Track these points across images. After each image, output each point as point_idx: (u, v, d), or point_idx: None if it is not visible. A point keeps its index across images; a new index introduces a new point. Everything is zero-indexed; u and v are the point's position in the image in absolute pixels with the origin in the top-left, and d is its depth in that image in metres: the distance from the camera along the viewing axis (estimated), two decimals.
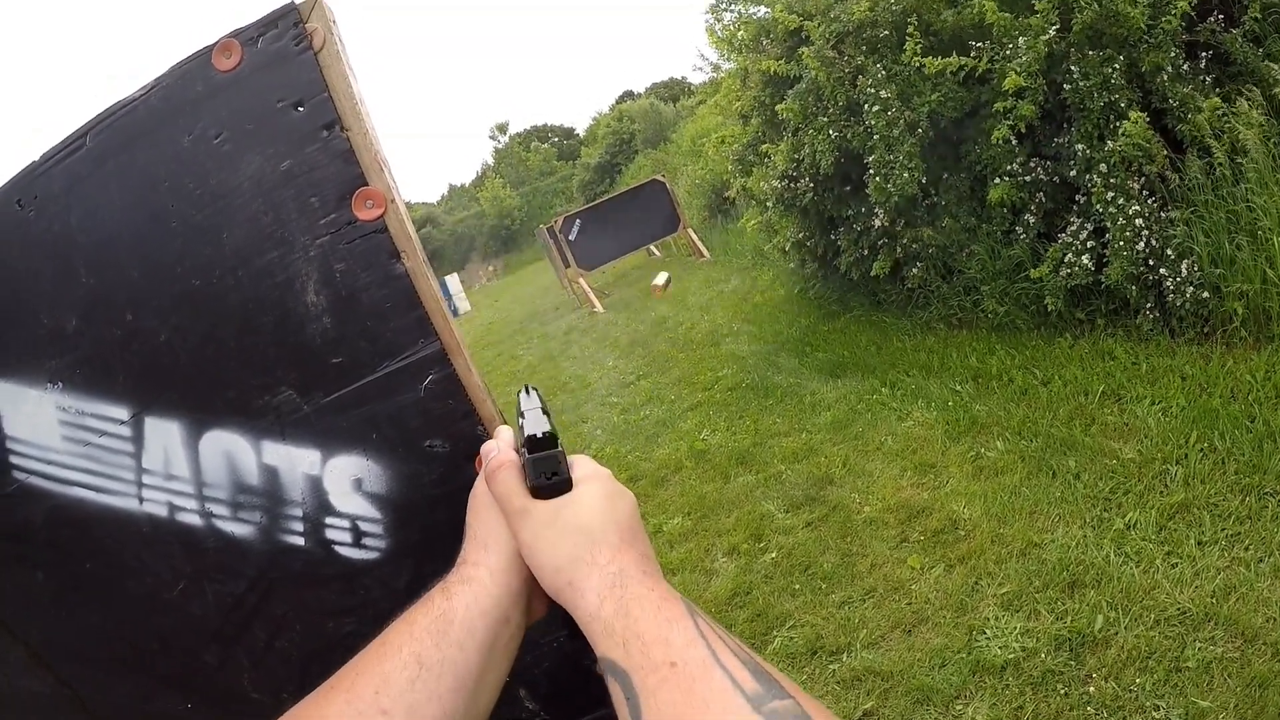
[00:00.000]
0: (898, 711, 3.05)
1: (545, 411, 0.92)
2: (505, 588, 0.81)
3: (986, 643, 3.17)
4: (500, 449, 0.87)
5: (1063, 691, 2.85)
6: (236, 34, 0.89)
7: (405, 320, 0.92)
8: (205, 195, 0.90)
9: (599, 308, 14.45)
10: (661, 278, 12.86)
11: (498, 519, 0.84)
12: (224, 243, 0.90)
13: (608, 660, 0.69)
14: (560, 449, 0.84)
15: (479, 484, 0.88)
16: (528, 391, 0.99)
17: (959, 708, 2.97)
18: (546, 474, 0.82)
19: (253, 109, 0.90)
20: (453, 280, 30.08)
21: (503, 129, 65.76)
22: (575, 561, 0.76)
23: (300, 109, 0.89)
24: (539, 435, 0.84)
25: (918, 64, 5.65)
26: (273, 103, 0.89)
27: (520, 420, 0.91)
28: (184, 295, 0.91)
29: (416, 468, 0.94)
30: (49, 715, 0.98)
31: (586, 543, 0.77)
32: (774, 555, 4.36)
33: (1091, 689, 2.82)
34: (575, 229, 15.76)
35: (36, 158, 0.92)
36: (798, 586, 4.02)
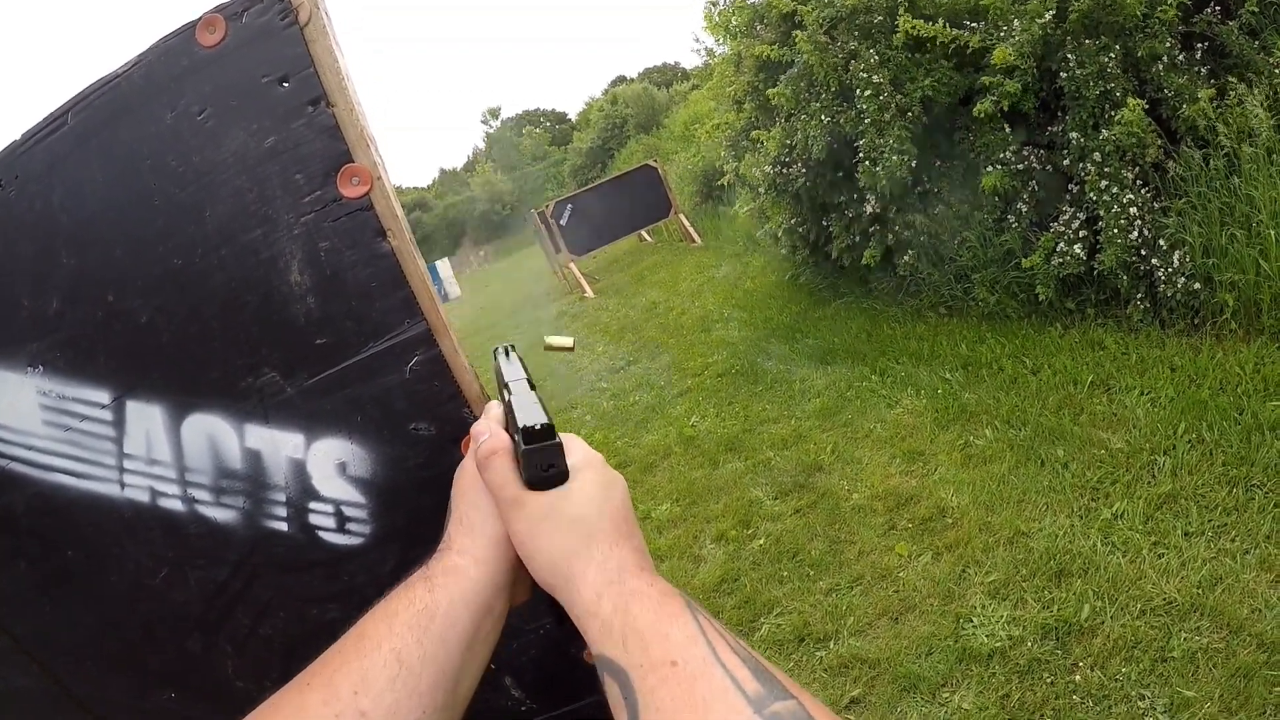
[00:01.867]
0: (885, 699, 3.06)
1: (532, 385, 0.90)
2: (490, 576, 0.79)
3: (973, 631, 3.18)
4: (492, 432, 0.85)
5: (1049, 680, 2.86)
6: (221, 9, 0.88)
7: (391, 300, 0.90)
8: (188, 173, 0.88)
9: (590, 293, 14.44)
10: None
11: (486, 503, 0.82)
12: (207, 221, 0.89)
13: (605, 658, 0.67)
14: (558, 440, 0.81)
15: (468, 463, 0.86)
16: (507, 354, 0.97)
17: (945, 695, 2.98)
18: (543, 467, 0.80)
19: (237, 84, 0.88)
20: (443, 265, 30.03)
21: (495, 114, 65.74)
22: (571, 555, 0.75)
23: (285, 84, 0.88)
24: (536, 427, 0.80)
25: (910, 27, 5.62)
26: (257, 78, 0.88)
27: (506, 395, 0.89)
28: (167, 275, 0.89)
29: (401, 451, 0.93)
30: (42, 711, 0.97)
31: (583, 536, 0.76)
32: (762, 542, 4.37)
33: (1077, 678, 2.83)
34: (566, 214, 15.71)
35: (18, 136, 0.90)
36: (786, 573, 4.02)
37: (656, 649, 0.64)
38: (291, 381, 0.91)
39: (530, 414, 0.83)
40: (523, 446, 0.80)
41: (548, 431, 0.80)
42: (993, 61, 5.15)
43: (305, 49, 0.87)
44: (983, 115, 5.30)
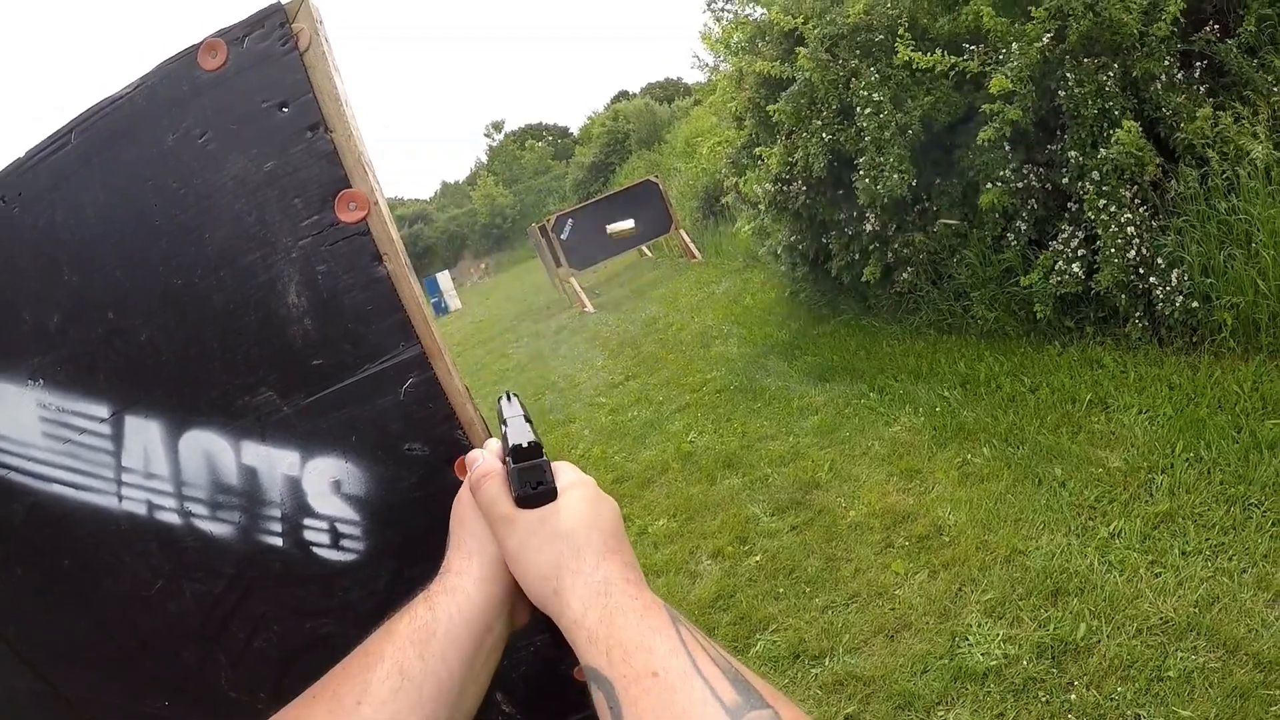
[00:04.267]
0: (879, 717, 3.05)
1: (528, 419, 0.92)
2: (489, 597, 0.81)
3: (969, 649, 3.18)
4: (486, 458, 0.87)
5: (1044, 699, 2.86)
6: (222, 33, 0.89)
7: (386, 323, 0.92)
8: (189, 195, 0.90)
9: (589, 308, 14.45)
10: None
11: (482, 527, 0.84)
12: (207, 243, 0.90)
13: (591, 669, 0.69)
14: (545, 458, 0.84)
15: (464, 491, 0.88)
16: (509, 398, 0.99)
17: (941, 714, 2.97)
18: (531, 484, 0.82)
19: (237, 109, 0.90)
20: (444, 278, 30.04)
21: (498, 127, 65.72)
22: (560, 569, 0.76)
23: (285, 109, 0.89)
24: (524, 445, 0.84)
25: (907, 58, 5.65)
26: (257, 103, 0.89)
27: (503, 428, 0.91)
28: (166, 295, 0.91)
29: (396, 471, 0.94)
30: (36, 713, 0.98)
31: (571, 551, 0.77)
32: (759, 558, 4.37)
33: (1073, 697, 2.83)
34: (567, 228, 15.73)
35: (22, 153, 0.92)
36: (782, 590, 4.02)
37: (639, 660, 0.66)
38: (288, 401, 0.92)
39: (521, 433, 0.86)
40: (512, 464, 0.82)
41: (535, 449, 0.83)
42: (990, 89, 5.16)
43: (305, 75, 0.89)
44: (985, 143, 5.30)
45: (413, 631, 0.76)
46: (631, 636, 0.68)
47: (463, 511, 0.87)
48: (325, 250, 0.90)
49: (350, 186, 0.89)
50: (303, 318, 0.91)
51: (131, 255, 0.90)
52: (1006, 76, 5.09)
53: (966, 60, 5.46)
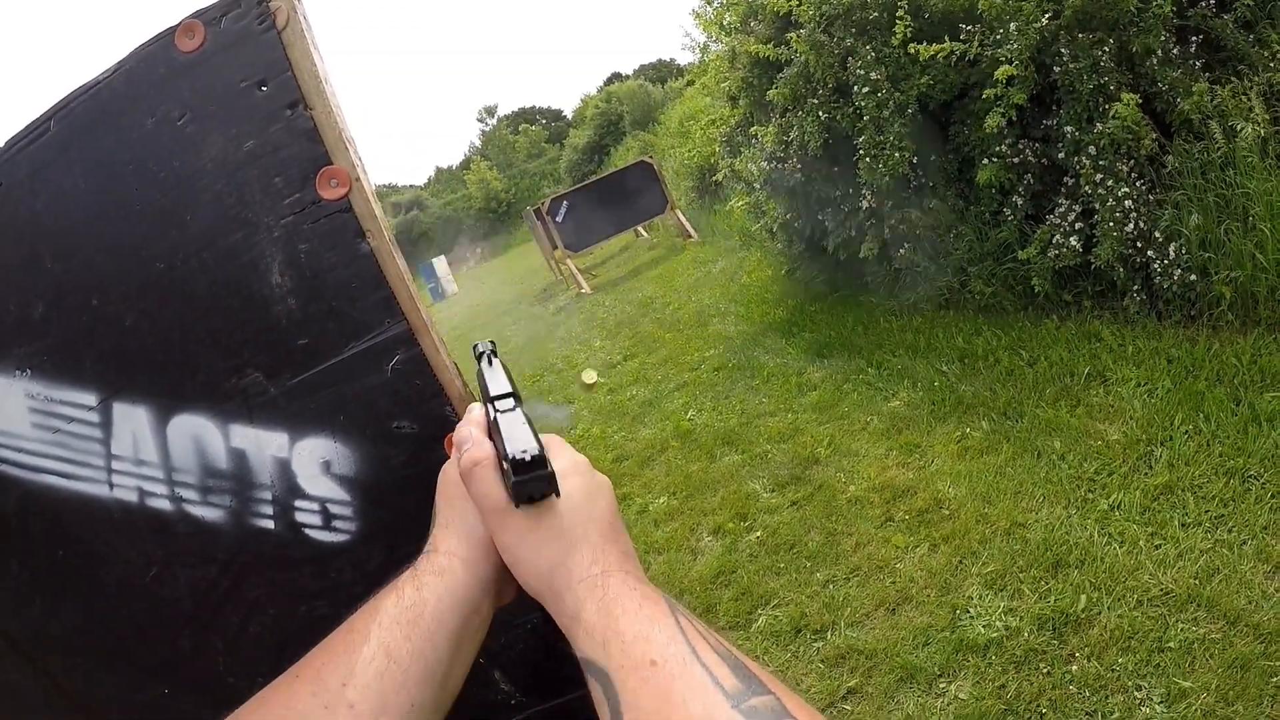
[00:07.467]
0: (881, 690, 3.07)
1: (518, 398, 0.88)
2: (477, 578, 0.80)
3: (970, 622, 3.19)
4: (474, 439, 0.83)
5: (1045, 670, 2.87)
6: (199, 14, 0.89)
7: (371, 300, 0.91)
8: (169, 178, 0.89)
9: (586, 289, 14.44)
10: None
11: (471, 508, 0.82)
12: (188, 225, 0.90)
13: (588, 660, 0.68)
14: (550, 469, 0.77)
15: (449, 469, 0.87)
16: (490, 361, 0.96)
17: (942, 686, 2.99)
18: (536, 496, 0.77)
19: (216, 90, 0.89)
20: (440, 263, 29.94)
21: (491, 111, 65.56)
22: (557, 566, 0.75)
23: (264, 88, 0.89)
24: (528, 458, 0.76)
25: (911, 50, 5.61)
26: (236, 83, 0.89)
27: (492, 410, 0.85)
28: (149, 279, 0.90)
29: (385, 449, 0.94)
30: (36, 709, 0.98)
31: (569, 546, 0.76)
32: (759, 534, 4.38)
33: (1074, 668, 2.84)
34: (562, 211, 15.68)
35: (0, 143, 0.91)
36: (782, 566, 4.03)
37: (637, 650, 0.65)
38: (275, 382, 0.91)
39: (520, 439, 0.79)
40: (513, 477, 0.76)
41: (539, 461, 0.77)
42: (997, 77, 5.12)
43: (283, 53, 0.88)
44: (992, 128, 5.27)
45: (400, 612, 0.75)
46: (629, 627, 0.67)
47: (450, 491, 0.85)
48: (307, 228, 0.90)
49: (331, 163, 0.89)
50: (286, 297, 0.90)
51: (113, 240, 0.90)
52: (1010, 62, 5.06)
53: (964, 44, 5.42)
